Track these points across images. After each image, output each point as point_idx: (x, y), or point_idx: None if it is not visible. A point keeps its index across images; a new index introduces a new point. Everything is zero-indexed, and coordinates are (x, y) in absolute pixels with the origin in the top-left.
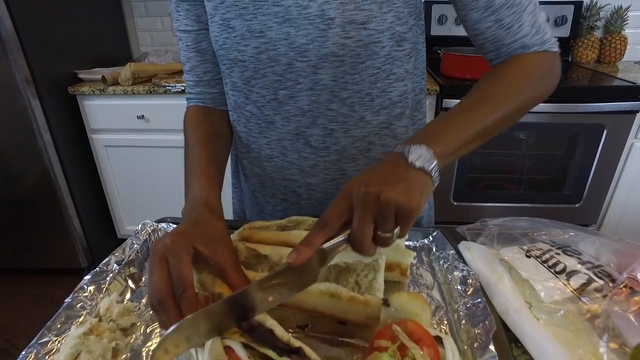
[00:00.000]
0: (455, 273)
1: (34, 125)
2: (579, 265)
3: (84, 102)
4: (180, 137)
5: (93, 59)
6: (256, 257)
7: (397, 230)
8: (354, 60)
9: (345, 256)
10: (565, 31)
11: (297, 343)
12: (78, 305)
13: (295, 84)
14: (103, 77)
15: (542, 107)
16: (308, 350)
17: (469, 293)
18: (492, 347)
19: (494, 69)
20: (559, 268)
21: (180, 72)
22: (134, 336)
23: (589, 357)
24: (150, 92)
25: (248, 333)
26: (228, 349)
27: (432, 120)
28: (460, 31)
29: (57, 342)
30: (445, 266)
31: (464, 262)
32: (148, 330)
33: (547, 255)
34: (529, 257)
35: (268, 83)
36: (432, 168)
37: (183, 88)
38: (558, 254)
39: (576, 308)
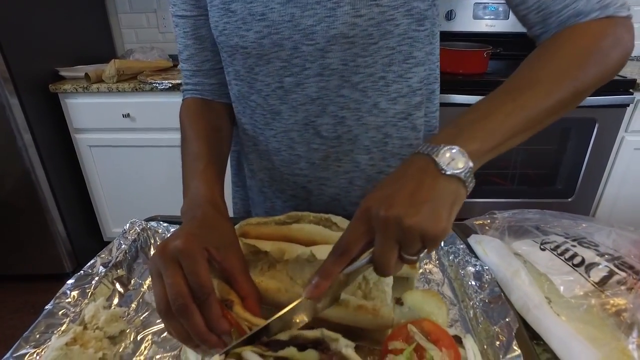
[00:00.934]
0: (468, 268)
1: (12, 124)
2: (598, 257)
3: (67, 100)
4: (168, 136)
5: (75, 56)
6: (254, 253)
7: (424, 251)
8: (365, 40)
9: None
10: None
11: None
12: (60, 313)
13: (302, 69)
14: (86, 74)
15: None
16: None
17: (484, 289)
18: (515, 346)
19: (542, 44)
20: (576, 261)
21: (167, 69)
22: (123, 345)
23: (617, 354)
24: (136, 89)
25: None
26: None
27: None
28: (453, 26)
29: (35, 355)
30: (455, 261)
31: (476, 256)
32: (139, 338)
33: (563, 248)
34: (543, 249)
35: (273, 70)
36: (467, 174)
37: (170, 85)
38: (574, 246)
39: (599, 302)
